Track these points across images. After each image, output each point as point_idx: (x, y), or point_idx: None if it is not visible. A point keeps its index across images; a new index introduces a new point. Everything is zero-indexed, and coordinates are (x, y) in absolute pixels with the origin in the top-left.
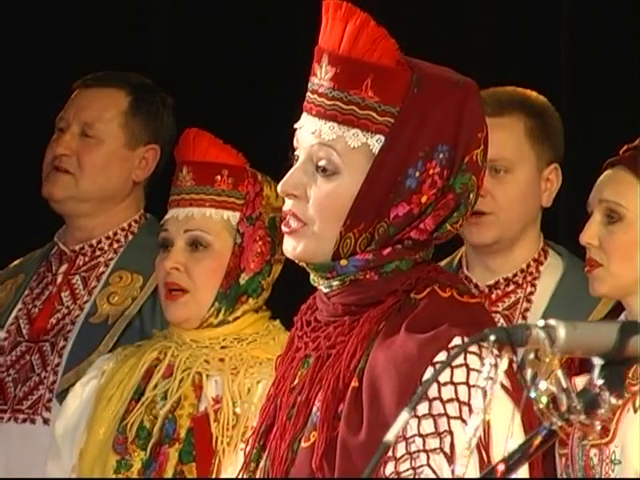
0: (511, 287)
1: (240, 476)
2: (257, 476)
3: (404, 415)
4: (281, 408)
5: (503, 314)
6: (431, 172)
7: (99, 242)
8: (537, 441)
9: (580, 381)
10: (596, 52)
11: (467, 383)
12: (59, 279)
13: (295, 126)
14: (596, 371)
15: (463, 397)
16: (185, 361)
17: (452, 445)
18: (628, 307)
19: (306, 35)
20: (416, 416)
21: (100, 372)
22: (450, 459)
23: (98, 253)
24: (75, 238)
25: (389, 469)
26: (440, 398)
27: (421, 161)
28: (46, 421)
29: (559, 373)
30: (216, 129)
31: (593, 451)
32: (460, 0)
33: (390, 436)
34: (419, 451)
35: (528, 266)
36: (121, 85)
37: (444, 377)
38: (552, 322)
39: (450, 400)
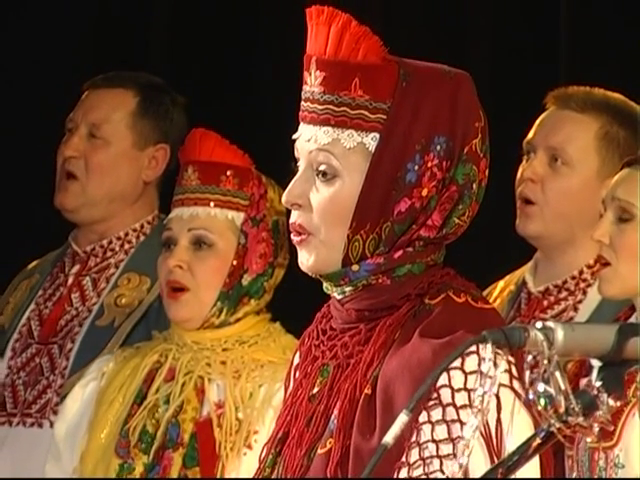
0: (563, 294)
1: None
2: None
3: (402, 417)
4: (297, 416)
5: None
6: (430, 165)
7: (110, 243)
8: (535, 443)
9: None
10: (596, 52)
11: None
12: (70, 280)
13: (293, 137)
14: (594, 373)
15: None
16: (187, 364)
17: None
18: (639, 308)
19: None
20: (430, 422)
21: (100, 373)
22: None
23: (109, 254)
24: (87, 239)
25: (402, 475)
26: (454, 404)
27: (419, 154)
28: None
29: (557, 374)
30: (217, 131)
31: (599, 455)
32: (460, 2)
33: (389, 438)
34: (432, 457)
35: (581, 272)
36: (129, 85)
37: (458, 383)
38: (550, 324)
39: (464, 406)
